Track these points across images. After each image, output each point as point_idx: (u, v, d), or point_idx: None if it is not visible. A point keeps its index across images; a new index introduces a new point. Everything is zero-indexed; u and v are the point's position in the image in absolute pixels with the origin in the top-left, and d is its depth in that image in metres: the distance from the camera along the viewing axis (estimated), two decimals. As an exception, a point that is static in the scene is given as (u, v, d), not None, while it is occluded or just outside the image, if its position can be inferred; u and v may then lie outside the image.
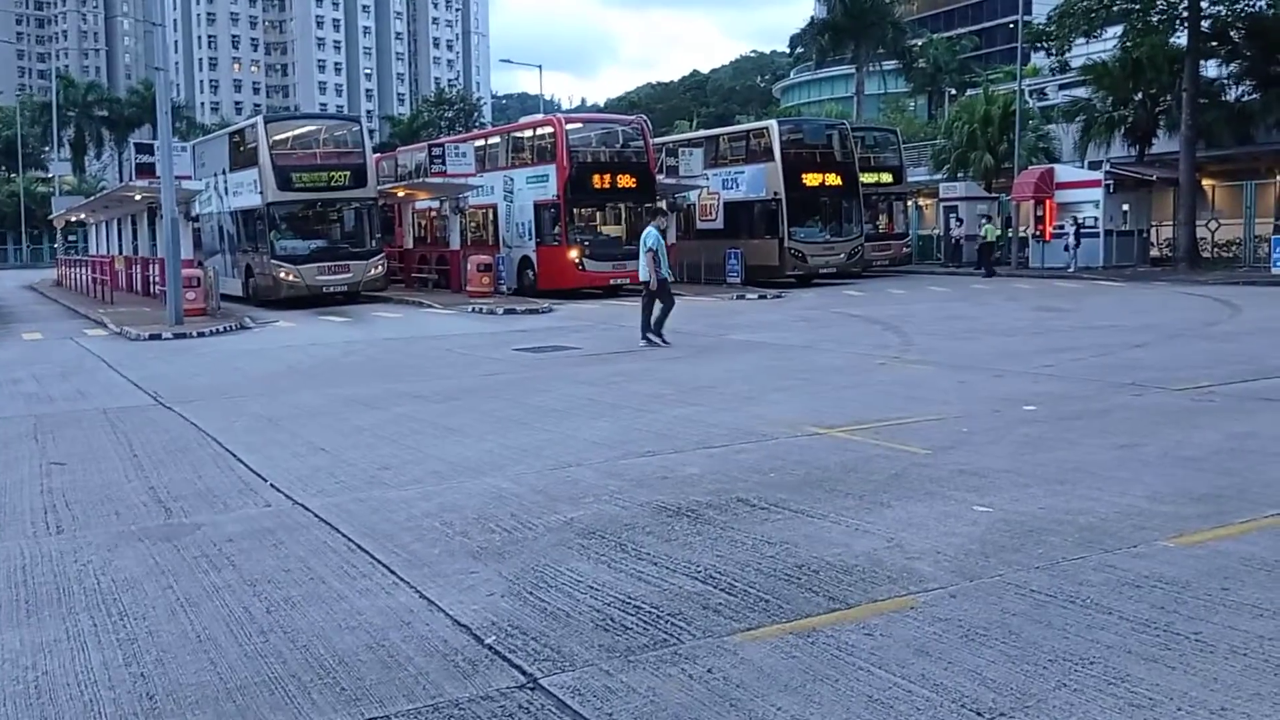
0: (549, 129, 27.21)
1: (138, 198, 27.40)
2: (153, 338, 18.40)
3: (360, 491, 6.90)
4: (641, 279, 15.93)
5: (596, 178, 26.37)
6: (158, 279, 25.41)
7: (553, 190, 25.82)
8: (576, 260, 25.64)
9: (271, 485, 7.13)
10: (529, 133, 29.03)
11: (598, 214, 27.16)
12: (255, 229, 25.90)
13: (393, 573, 5.18)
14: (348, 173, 25.81)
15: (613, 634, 4.31)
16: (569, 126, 27.20)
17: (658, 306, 15.55)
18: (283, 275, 24.81)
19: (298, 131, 28.73)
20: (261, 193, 25.02)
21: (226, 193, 27.71)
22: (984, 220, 33.65)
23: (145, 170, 22.53)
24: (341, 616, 4.60)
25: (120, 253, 35.38)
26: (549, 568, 5.17)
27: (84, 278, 33.56)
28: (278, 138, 26.36)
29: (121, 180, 52.93)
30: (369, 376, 13.13)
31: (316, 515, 6.30)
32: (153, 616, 4.67)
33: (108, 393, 12.12)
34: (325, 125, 31.48)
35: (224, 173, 27.83)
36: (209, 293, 22.55)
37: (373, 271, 25.81)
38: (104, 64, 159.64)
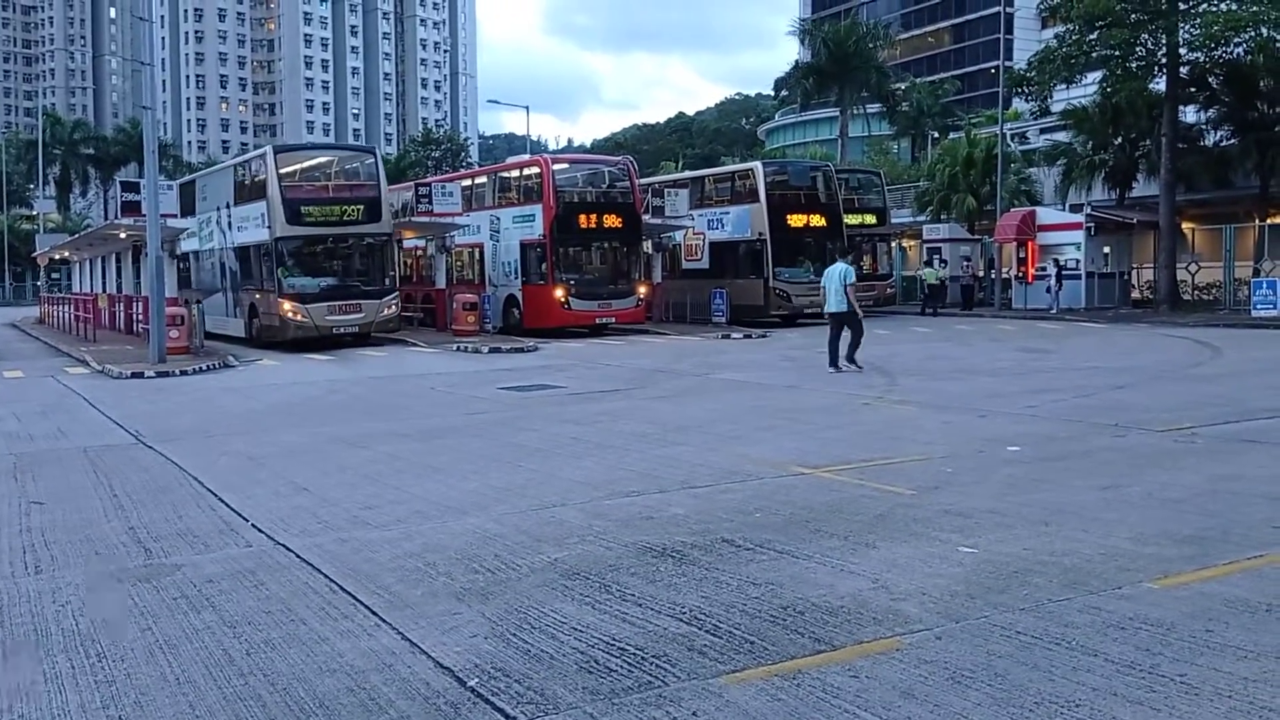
0: (536, 169, 27.36)
1: (123, 235, 27.25)
2: (135, 376, 18.29)
3: (342, 531, 6.85)
4: (831, 311, 16.67)
5: (583, 217, 26.50)
6: (141, 317, 25.18)
7: (539, 230, 25.93)
8: (562, 299, 25.72)
9: (253, 525, 7.07)
10: (516, 173, 29.17)
11: (584, 253, 27.28)
12: (261, 266, 24.41)
13: (375, 614, 5.13)
14: (361, 206, 24.43)
15: (597, 676, 4.28)
16: (555, 167, 27.35)
17: (844, 338, 16.56)
18: (290, 315, 23.32)
19: (308, 163, 27.15)
20: (269, 227, 23.61)
21: (230, 228, 26.45)
22: (925, 264, 34.20)
23: (131, 208, 22.40)
24: (322, 659, 4.55)
25: (104, 290, 35.20)
26: (533, 609, 5.13)
27: (67, 315, 33.35)
28: (287, 169, 24.84)
29: (106, 218, 52.81)
30: (352, 415, 13.08)
31: (298, 556, 6.25)
32: (131, 658, 4.61)
33: (88, 431, 12.02)
34: (337, 156, 29.73)
35: (227, 206, 26.59)
36: (192, 331, 22.40)
37: (385, 311, 24.42)
38: (91, 102, 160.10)
